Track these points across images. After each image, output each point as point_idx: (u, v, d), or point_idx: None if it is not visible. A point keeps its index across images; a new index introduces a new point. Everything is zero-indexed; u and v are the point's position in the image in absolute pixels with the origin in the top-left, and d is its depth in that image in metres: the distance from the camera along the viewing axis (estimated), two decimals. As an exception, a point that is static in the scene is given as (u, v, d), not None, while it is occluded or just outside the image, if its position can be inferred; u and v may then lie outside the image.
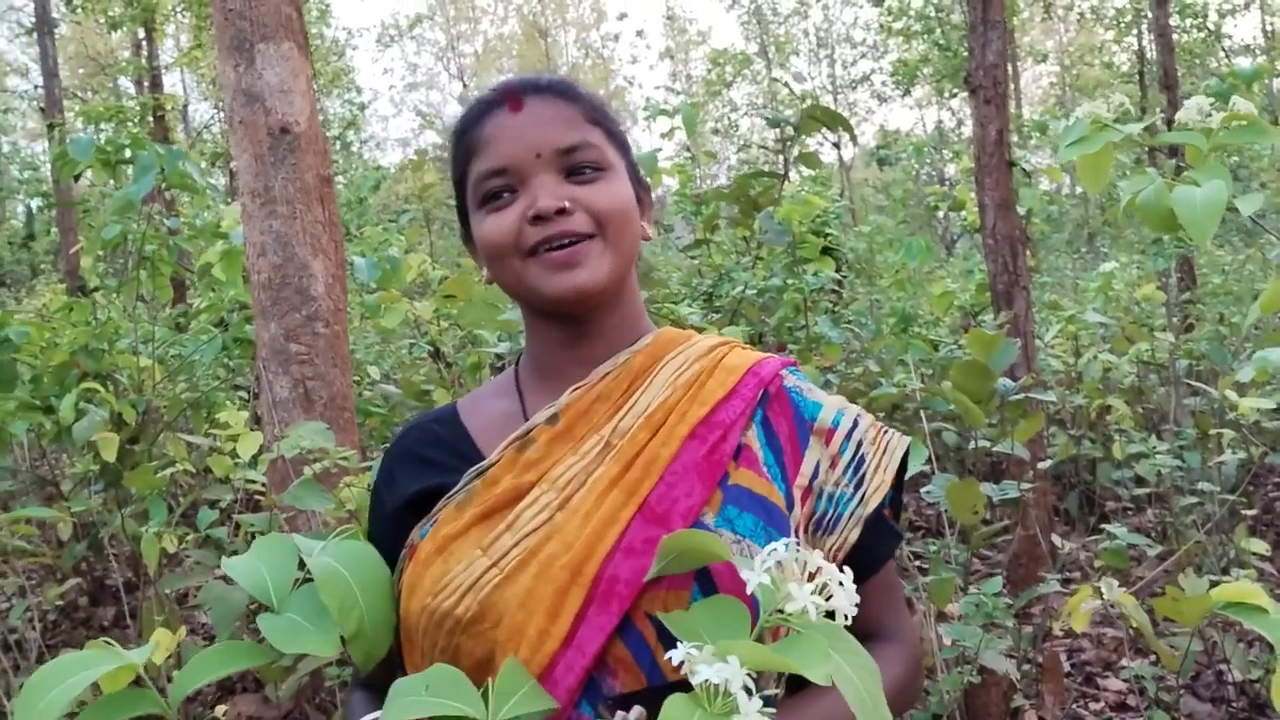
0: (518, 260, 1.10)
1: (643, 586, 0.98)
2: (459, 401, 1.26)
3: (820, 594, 0.82)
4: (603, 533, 1.01)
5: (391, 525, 1.15)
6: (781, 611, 0.81)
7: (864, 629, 1.10)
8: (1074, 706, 3.27)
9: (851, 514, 1.10)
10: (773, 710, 0.76)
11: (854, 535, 1.10)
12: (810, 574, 0.84)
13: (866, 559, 1.12)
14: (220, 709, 2.40)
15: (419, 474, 1.17)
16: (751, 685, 0.75)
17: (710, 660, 0.76)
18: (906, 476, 1.20)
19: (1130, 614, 1.76)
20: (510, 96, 1.13)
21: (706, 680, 0.74)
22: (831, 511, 1.10)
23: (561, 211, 1.08)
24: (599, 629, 0.98)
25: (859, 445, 1.13)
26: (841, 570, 0.84)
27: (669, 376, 1.12)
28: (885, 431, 1.16)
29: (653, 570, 0.95)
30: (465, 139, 1.15)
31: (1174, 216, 1.62)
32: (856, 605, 0.83)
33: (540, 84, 1.15)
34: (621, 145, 1.18)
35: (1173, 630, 3.20)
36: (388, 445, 1.25)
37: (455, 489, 1.10)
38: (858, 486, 1.11)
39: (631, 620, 0.99)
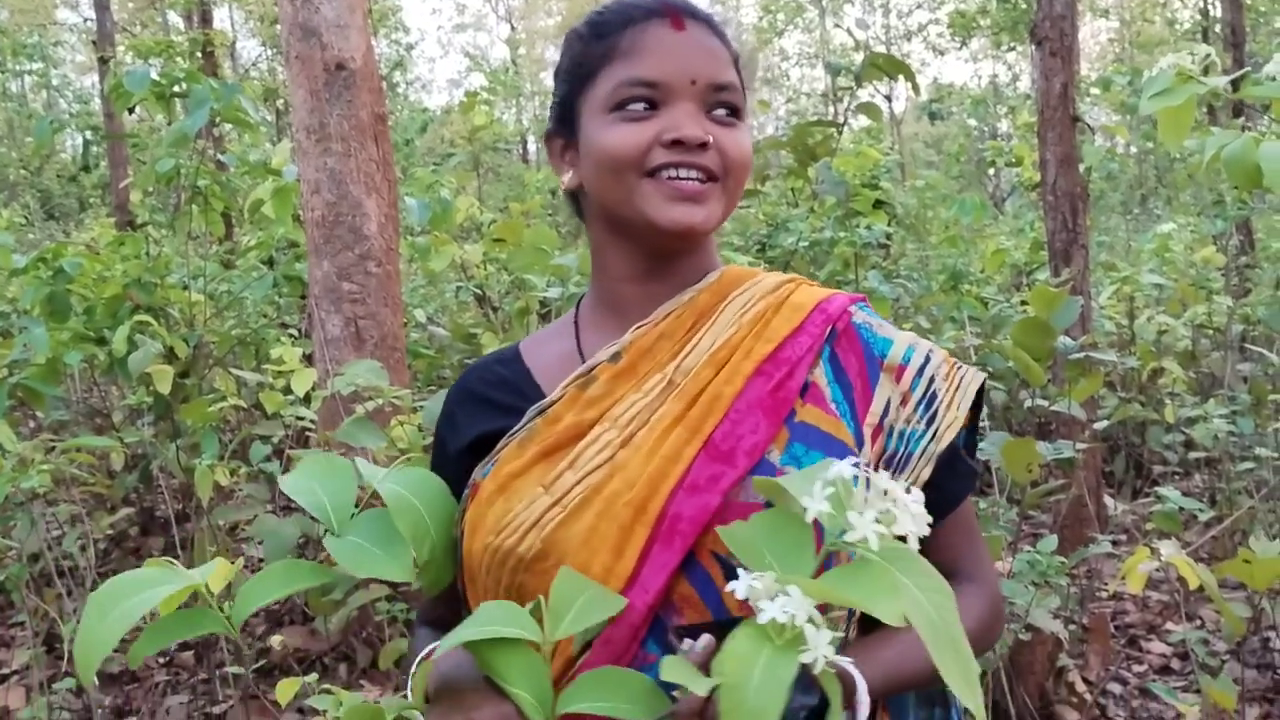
0: (634, 176, 1.06)
1: (706, 524, 0.97)
2: (522, 342, 1.24)
3: (885, 519, 0.78)
4: (666, 470, 1.00)
5: (455, 467, 1.13)
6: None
7: (941, 568, 1.08)
8: (1118, 668, 3.25)
9: (924, 451, 1.08)
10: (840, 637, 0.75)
11: (926, 473, 1.07)
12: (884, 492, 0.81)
13: (941, 497, 1.07)
14: (276, 639, 2.43)
15: (481, 416, 1.15)
16: (818, 616, 0.73)
17: (773, 593, 0.74)
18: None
19: (1195, 576, 1.73)
20: (673, 12, 1.09)
21: (773, 619, 0.72)
22: (903, 449, 1.08)
23: (703, 145, 1.05)
24: (663, 567, 0.97)
25: (931, 381, 1.10)
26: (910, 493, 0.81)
27: (734, 314, 1.10)
28: (959, 367, 1.13)
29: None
30: (610, 39, 1.10)
31: (1259, 171, 1.58)
32: (930, 525, 0.80)
33: (699, 13, 1.11)
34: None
35: (1210, 598, 3.18)
36: (434, 386, 1.23)
37: (517, 427, 1.09)
38: (930, 423, 1.08)
39: (696, 558, 0.98)
